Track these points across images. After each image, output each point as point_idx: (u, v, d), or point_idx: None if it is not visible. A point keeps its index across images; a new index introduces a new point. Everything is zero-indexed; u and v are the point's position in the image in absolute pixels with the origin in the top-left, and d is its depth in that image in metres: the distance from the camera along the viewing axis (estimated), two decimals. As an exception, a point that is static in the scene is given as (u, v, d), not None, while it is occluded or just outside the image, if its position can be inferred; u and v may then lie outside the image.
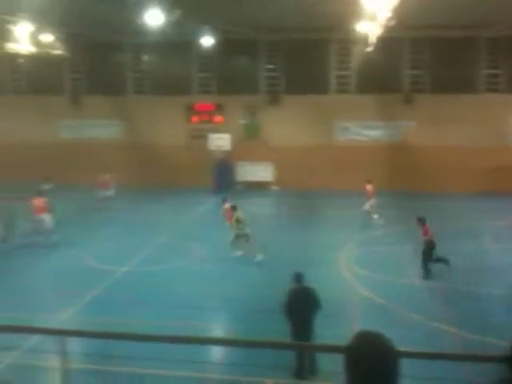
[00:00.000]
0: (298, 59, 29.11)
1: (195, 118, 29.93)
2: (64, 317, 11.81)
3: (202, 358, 8.69)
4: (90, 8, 20.63)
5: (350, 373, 2.54)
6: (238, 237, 16.59)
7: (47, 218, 17.90)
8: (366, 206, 21.04)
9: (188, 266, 16.02)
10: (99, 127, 30.49)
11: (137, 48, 29.92)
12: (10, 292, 13.76)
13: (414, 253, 15.42)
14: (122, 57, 30.62)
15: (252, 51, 29.60)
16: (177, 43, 27.82)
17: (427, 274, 14.56)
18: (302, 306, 9.16)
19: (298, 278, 9.51)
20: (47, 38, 25.49)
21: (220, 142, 28.33)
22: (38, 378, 8.48)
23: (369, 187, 21.10)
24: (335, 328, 10.39)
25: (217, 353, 10.02)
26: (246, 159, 29.09)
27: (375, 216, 20.93)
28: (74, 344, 4.66)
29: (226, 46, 28.36)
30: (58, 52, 27.38)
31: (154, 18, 19.53)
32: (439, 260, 14.78)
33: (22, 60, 29.22)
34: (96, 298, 13.29)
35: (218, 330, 11.92)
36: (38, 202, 17.95)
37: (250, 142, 29.28)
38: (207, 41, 27.21)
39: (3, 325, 5.47)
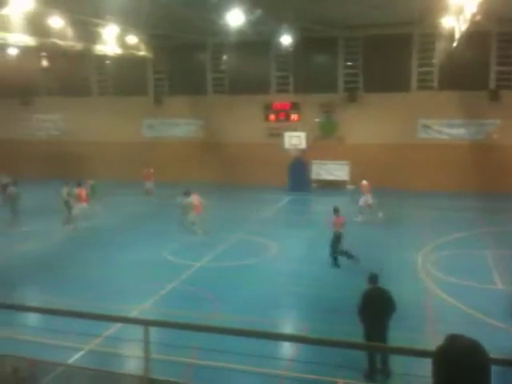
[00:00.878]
0: (378, 56, 28.51)
1: (272, 117, 30.11)
2: (141, 308, 12.29)
3: (272, 354, 8.75)
4: (172, 10, 21.24)
5: (440, 377, 2.45)
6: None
7: (85, 207, 20.10)
8: (361, 202, 21.18)
9: (261, 263, 16.16)
10: (179, 126, 31.40)
11: (216, 48, 30.49)
12: (89, 281, 14.50)
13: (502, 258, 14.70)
14: (202, 57, 31.32)
15: (330, 49, 29.34)
16: (255, 42, 28.09)
17: (335, 263, 15.42)
18: (376, 307, 9.01)
19: (373, 278, 9.35)
20: (132, 39, 26.58)
21: (295, 140, 28.32)
22: (119, 364, 8.88)
23: (364, 183, 21.46)
24: (411, 331, 10.14)
25: (288, 350, 10.07)
26: (322, 158, 28.89)
27: (380, 214, 21.09)
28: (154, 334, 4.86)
29: (304, 44, 28.27)
30: (142, 53, 28.50)
31: (235, 18, 19.84)
32: (344, 253, 15.45)
33: (108, 62, 30.67)
34: (172, 291, 13.72)
35: (288, 328, 11.95)
36: (80, 192, 20.20)
37: (326, 140, 29.06)
38: (285, 39, 27.28)
39: (88, 312, 5.80)
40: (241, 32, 22.75)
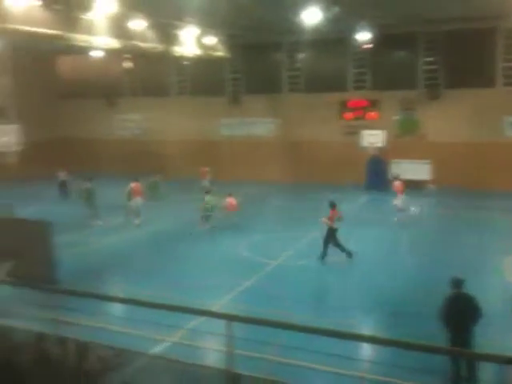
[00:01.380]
0: (459, 51, 27.34)
1: (348, 115, 29.65)
2: (220, 304, 12.43)
3: (352, 355, 8.55)
4: (249, 9, 21.38)
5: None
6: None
7: (139, 201, 20.65)
8: (396, 202, 20.92)
9: (339, 262, 15.91)
10: (256, 125, 31.60)
11: (292, 46, 30.42)
12: (170, 275, 14.88)
13: None
14: (278, 56, 31.36)
15: (409, 44, 28.47)
16: (331, 40, 27.79)
17: (323, 255, 15.64)
18: (460, 313, 8.60)
19: (457, 283, 8.92)
20: (210, 40, 27.06)
21: (373, 138, 27.72)
22: (202, 357, 9.01)
23: (397, 183, 21.23)
24: (498, 339, 9.63)
25: (368, 351, 9.82)
26: (401, 156, 28.07)
27: (413, 208, 21.10)
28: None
29: (382, 40, 27.59)
30: (219, 53, 28.94)
31: (312, 16, 19.68)
32: (339, 246, 15.75)
33: (186, 62, 31.41)
34: (249, 288, 13.80)
35: (366, 329, 11.64)
36: (135, 186, 20.87)
37: (406, 138, 28.24)
38: (362, 36, 26.78)
39: (172, 305, 5.90)
40: (317, 30, 22.55)
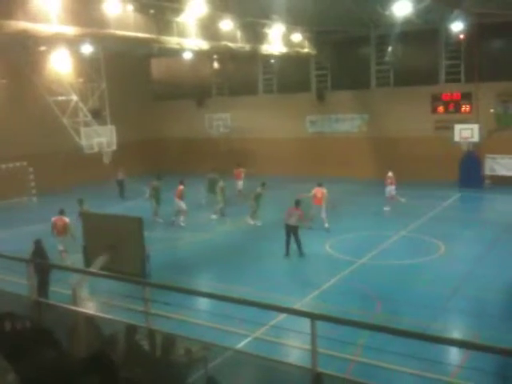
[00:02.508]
0: None
1: (441, 109, 28.49)
2: (303, 301, 12.46)
3: (438, 359, 8.27)
4: (337, 4, 21.16)
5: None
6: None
7: (180, 204, 20.78)
8: (387, 193, 22.01)
9: (428, 263, 15.40)
10: (343, 121, 31.23)
11: (380, 40, 29.69)
12: (257, 271, 15.10)
13: None
14: (366, 50, 30.76)
15: (508, 33, 26.87)
16: (422, 31, 26.78)
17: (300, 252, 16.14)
18: None
19: None
20: (296, 37, 27.06)
21: (467, 133, 26.46)
22: (285, 355, 9.11)
23: (390, 175, 22.29)
24: None
25: (456, 356, 9.44)
26: (497, 152, 26.59)
27: (402, 199, 21.77)
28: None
29: (478, 29, 26.23)
30: (305, 50, 28.86)
31: (401, 8, 19.12)
32: (288, 244, 16.20)
33: (273, 60, 31.62)
34: (333, 286, 13.71)
35: (456, 333, 11.17)
36: (178, 189, 20.94)
37: (503, 132, 26.69)
38: (456, 26, 25.61)
39: (257, 301, 6.01)
40: (406, 21, 21.87)
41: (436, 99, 28.50)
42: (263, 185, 21.10)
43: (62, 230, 15.83)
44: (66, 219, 16.09)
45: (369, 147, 30.19)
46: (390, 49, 29.32)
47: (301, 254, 16.32)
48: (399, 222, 19.85)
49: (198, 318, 10.15)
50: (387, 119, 29.59)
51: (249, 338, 9.67)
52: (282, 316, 9.18)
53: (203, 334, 7.77)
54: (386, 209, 22.01)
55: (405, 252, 16.44)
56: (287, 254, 16.36)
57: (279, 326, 8.84)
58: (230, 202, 23.31)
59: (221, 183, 22.51)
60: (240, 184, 25.85)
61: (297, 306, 11.07)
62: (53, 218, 16.23)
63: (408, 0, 18.73)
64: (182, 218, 20.93)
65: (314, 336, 4.85)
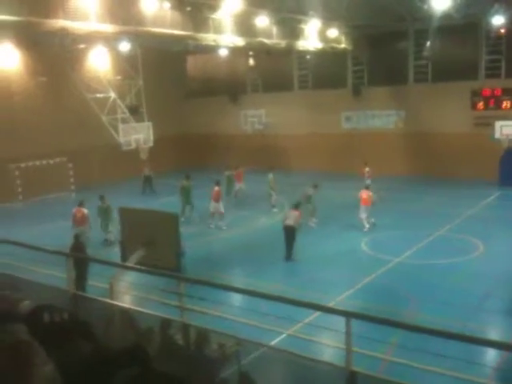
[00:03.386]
0: None
1: (481, 105, 27.80)
2: (338, 299, 12.38)
3: (473, 359, 8.09)
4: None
5: None
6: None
7: (216, 205, 19.90)
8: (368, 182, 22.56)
9: (466, 263, 15.09)
10: (379, 117, 30.85)
11: (418, 34, 29.17)
12: (290, 268, 15.08)
13: None
14: (403, 45, 30.26)
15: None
16: (461, 26, 26.17)
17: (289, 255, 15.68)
18: None
19: None
20: (333, 33, 26.83)
21: (508, 130, 25.76)
22: (319, 352, 9.06)
23: (366, 170, 23.39)
24: None
25: (492, 357, 9.22)
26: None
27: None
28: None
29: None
30: (342, 46, 28.60)
31: (441, 2, 18.74)
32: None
33: (308, 56, 31.44)
34: (368, 285, 13.58)
35: (492, 335, 10.86)
36: (214, 191, 20.11)
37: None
38: (497, 20, 24.92)
39: (292, 298, 6.00)
40: (445, 16, 21.44)
41: (476, 95, 27.81)
42: (315, 186, 20.29)
43: (81, 221, 16.83)
44: (85, 210, 17.10)
45: (405, 144, 29.73)
46: (428, 43, 28.78)
47: (289, 258, 15.73)
48: (436, 221, 19.49)
49: (231, 314, 10.20)
50: (425, 115, 29.06)
51: (283, 335, 9.66)
52: (317, 314, 9.14)
53: (237, 330, 7.80)
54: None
55: (442, 251, 16.13)
56: (289, 257, 15.77)
57: (313, 323, 8.80)
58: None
59: (270, 175, 22.65)
60: (239, 186, 24.53)
61: (331, 304, 11.01)
62: (73, 210, 16.97)
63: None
64: (221, 222, 19.98)
65: (348, 334, 4.82)
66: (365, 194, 19.27)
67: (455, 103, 28.01)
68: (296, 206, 16.40)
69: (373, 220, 19.11)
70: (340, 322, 5.41)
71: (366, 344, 6.76)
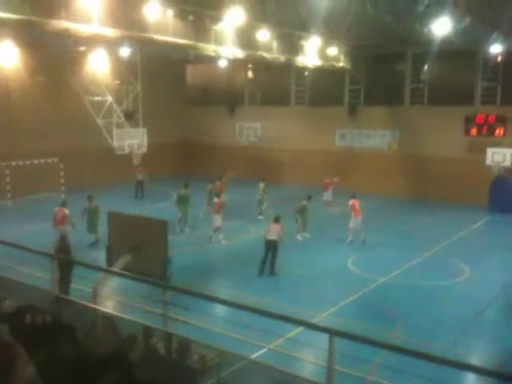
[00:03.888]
0: None
1: (474, 130, 28.06)
2: (321, 316, 12.37)
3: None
4: (375, 20, 21.09)
5: None
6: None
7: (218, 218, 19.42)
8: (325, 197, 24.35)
9: (452, 286, 15.15)
10: (373, 137, 31.05)
11: (417, 57, 29.50)
12: (275, 281, 15.06)
13: None
14: (401, 67, 30.58)
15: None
16: (459, 51, 26.50)
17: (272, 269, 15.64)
18: None
19: None
20: (332, 51, 27.05)
21: (500, 157, 26.02)
22: (299, 368, 9.05)
23: (328, 181, 24.82)
24: None
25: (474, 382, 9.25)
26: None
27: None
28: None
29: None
30: (340, 64, 28.82)
31: (441, 27, 18.97)
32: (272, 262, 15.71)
33: (306, 73, 31.65)
34: (353, 303, 13.59)
35: (476, 360, 10.88)
36: (216, 203, 19.84)
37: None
38: (495, 48, 25.26)
39: (274, 312, 6.00)
40: (445, 41, 21.69)
41: (470, 121, 28.09)
42: (309, 198, 20.45)
43: (61, 221, 16.95)
44: (66, 211, 17.24)
45: (398, 164, 29.92)
46: (426, 67, 29.10)
47: (272, 272, 15.63)
48: (426, 243, 19.58)
49: (214, 325, 10.17)
50: (419, 137, 29.30)
51: (264, 349, 9.64)
52: (299, 329, 9.13)
53: (218, 341, 7.78)
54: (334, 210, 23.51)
55: (428, 273, 16.20)
56: (261, 273, 15.57)
57: (295, 339, 8.79)
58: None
59: (261, 184, 23.55)
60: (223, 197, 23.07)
61: (314, 320, 10.99)
62: (55, 209, 17.01)
63: (448, 19, 18.58)
64: (220, 236, 19.44)
65: (331, 352, 4.82)
66: (357, 204, 19.58)
67: (449, 127, 28.27)
68: (277, 220, 16.35)
69: (363, 236, 19.21)
70: (323, 338, 5.41)
71: (348, 362, 6.75)
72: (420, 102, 29.93)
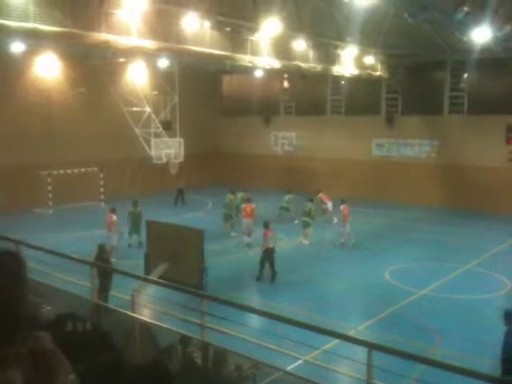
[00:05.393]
0: None
1: (514, 140, 27.35)
2: (358, 328, 12.19)
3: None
4: (414, 29, 20.87)
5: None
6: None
7: (250, 222, 20.12)
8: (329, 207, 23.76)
9: (491, 299, 14.71)
10: (411, 146, 30.60)
11: (455, 66, 29.02)
12: (311, 292, 14.93)
13: None
14: (440, 75, 30.11)
15: None
16: (500, 59, 25.94)
17: (258, 276, 15.90)
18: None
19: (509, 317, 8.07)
20: (369, 60, 26.87)
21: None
22: (334, 380, 8.92)
23: (320, 195, 24.17)
24: None
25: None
26: None
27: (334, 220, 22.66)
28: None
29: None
30: (377, 73, 28.60)
31: (481, 35, 18.62)
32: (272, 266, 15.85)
33: (342, 82, 31.51)
34: (391, 316, 13.34)
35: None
36: (247, 207, 20.47)
37: None
38: (538, 55, 24.64)
39: (312, 324, 5.94)
40: (484, 49, 21.29)
41: (511, 130, 27.41)
42: (311, 200, 21.35)
43: (109, 226, 17.77)
44: (114, 217, 17.86)
45: (437, 174, 29.38)
46: (465, 75, 28.58)
47: (274, 278, 15.84)
48: (464, 255, 19.12)
49: (249, 335, 10.14)
50: (458, 147, 28.72)
51: (299, 361, 9.54)
52: (335, 341, 9.02)
53: (254, 351, 7.74)
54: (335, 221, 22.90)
55: (468, 286, 15.80)
56: (260, 278, 15.98)
57: (332, 351, 8.67)
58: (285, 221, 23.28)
59: (287, 196, 23.84)
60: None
61: (351, 333, 10.84)
62: (106, 215, 18.13)
63: (488, 27, 18.23)
64: (249, 238, 19.78)
65: (369, 366, 4.74)
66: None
67: (490, 137, 27.64)
68: (267, 226, 16.58)
69: (353, 241, 20.10)
70: (359, 351, 5.33)
71: (384, 376, 6.63)
72: (459, 111, 29.38)
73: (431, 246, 20.72)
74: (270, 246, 16.04)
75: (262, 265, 16.01)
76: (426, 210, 27.21)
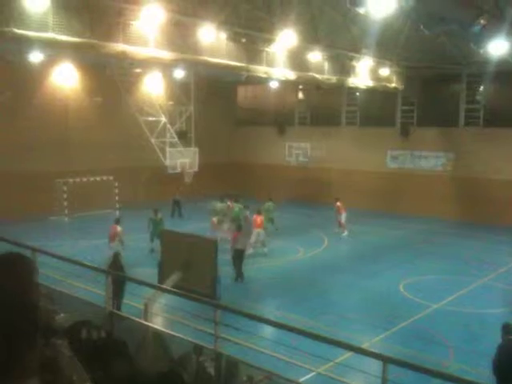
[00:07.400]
0: None
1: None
2: (371, 341, 12.09)
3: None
4: (430, 41, 20.85)
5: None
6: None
7: (262, 232, 20.48)
8: (342, 219, 23.98)
9: (508, 314, 14.51)
10: (426, 158, 30.43)
11: (472, 78, 28.85)
12: (325, 304, 14.85)
13: None
14: (455, 88, 29.96)
15: None
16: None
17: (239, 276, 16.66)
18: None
19: (508, 329, 7.92)
20: (385, 72, 26.84)
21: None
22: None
23: (338, 204, 24.19)
24: None
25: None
26: None
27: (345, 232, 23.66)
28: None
29: None
30: (392, 85, 28.55)
31: (498, 48, 18.53)
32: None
33: (357, 93, 31.50)
34: (404, 329, 13.22)
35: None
36: (257, 218, 20.57)
37: None
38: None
39: (325, 336, 5.91)
40: (501, 61, 21.18)
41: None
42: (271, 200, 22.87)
43: (112, 237, 17.59)
44: (118, 228, 17.85)
45: (452, 187, 29.16)
46: (481, 88, 28.42)
47: (239, 279, 16.64)
48: (480, 268, 18.92)
49: (262, 346, 10.10)
50: (474, 159, 28.49)
51: (312, 373, 9.48)
52: (349, 354, 8.95)
53: (266, 362, 7.71)
54: (344, 234, 23.68)
55: (483, 300, 15.60)
56: (237, 279, 16.72)
57: (345, 363, 8.62)
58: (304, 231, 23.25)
59: (267, 204, 23.69)
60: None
61: (365, 346, 10.76)
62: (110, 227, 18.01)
63: (505, 39, 18.14)
64: (265, 249, 20.29)
65: (384, 380, 4.70)
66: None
67: (506, 149, 27.40)
68: (238, 229, 17.58)
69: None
70: (373, 364, 5.28)
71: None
72: (475, 124, 29.17)
73: (446, 259, 20.52)
74: (239, 247, 16.92)
75: (234, 265, 16.85)
76: (441, 223, 26.99)
